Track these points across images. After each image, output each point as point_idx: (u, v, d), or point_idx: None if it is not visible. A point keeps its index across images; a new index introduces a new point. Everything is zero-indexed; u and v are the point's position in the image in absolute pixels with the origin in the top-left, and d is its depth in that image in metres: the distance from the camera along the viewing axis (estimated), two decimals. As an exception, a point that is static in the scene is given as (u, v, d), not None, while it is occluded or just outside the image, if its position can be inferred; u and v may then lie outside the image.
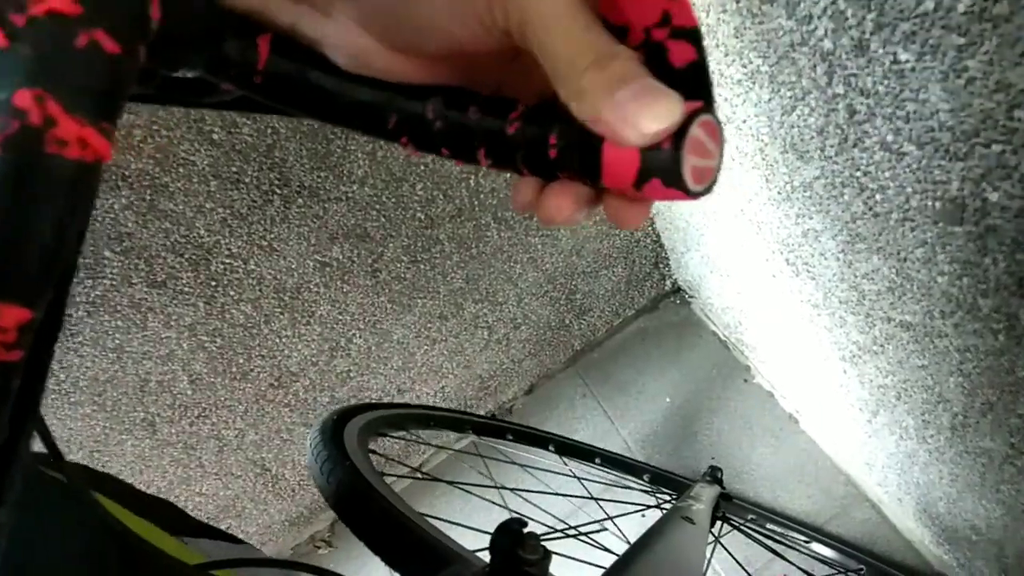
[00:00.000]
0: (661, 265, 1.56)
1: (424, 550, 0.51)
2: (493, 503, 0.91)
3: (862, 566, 1.15)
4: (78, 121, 0.21)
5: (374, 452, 0.69)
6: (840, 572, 1.15)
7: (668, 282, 1.61)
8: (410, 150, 0.30)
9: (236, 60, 0.30)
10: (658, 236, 1.49)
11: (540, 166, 0.27)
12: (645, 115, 0.23)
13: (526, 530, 0.49)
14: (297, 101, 0.31)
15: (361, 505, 0.54)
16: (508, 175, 1.17)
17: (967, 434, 0.77)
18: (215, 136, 0.95)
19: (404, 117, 0.28)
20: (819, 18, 0.57)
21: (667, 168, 0.23)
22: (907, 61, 0.51)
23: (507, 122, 0.26)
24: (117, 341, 1.09)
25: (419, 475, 0.81)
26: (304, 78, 0.30)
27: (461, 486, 0.85)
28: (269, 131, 0.98)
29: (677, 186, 0.23)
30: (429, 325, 1.36)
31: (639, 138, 0.23)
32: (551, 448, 1.06)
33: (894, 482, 1.08)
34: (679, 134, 0.23)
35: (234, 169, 1.00)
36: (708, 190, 0.25)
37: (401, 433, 0.86)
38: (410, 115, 0.28)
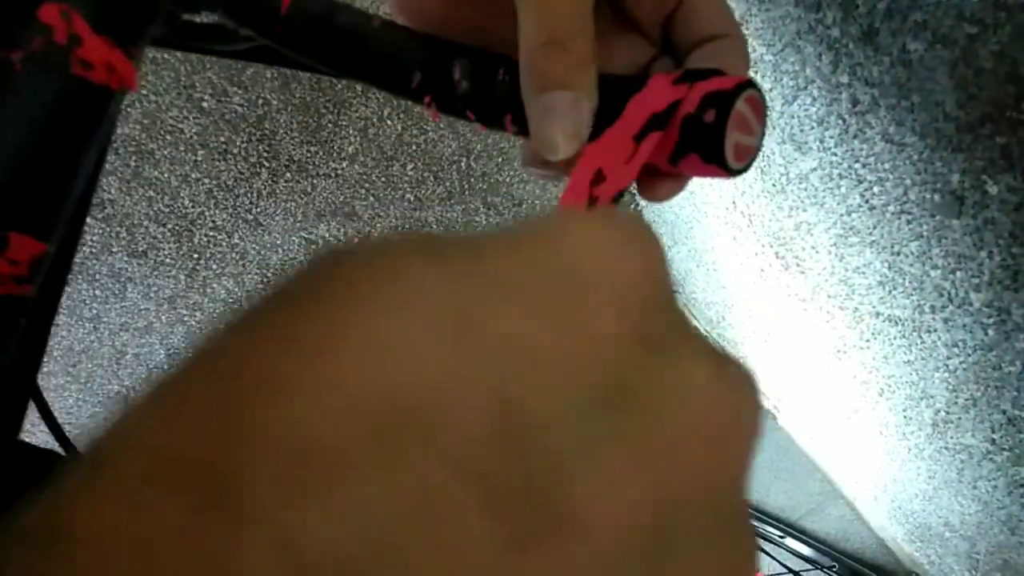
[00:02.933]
0: (646, 259, 1.57)
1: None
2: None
3: (835, 563, 1.16)
4: (105, 42, 0.20)
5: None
6: (813, 568, 1.16)
7: (652, 276, 1.61)
8: (432, 112, 0.28)
9: (258, 4, 0.29)
10: (645, 229, 1.49)
11: None
12: (551, 135, 0.23)
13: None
14: (318, 51, 0.29)
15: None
16: (501, 159, 1.17)
17: (948, 430, 0.78)
18: (205, 104, 0.93)
19: (429, 75, 0.27)
20: (828, 6, 0.57)
21: (709, 144, 0.22)
22: (916, 51, 0.51)
23: None
24: (94, 311, 1.07)
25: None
26: (327, 27, 0.28)
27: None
28: (260, 102, 0.96)
29: (717, 163, 0.22)
30: (413, 309, 1.35)
31: (544, 149, 0.23)
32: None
33: (870, 479, 1.09)
34: (724, 108, 0.21)
35: (222, 139, 0.98)
36: (746, 169, 0.23)
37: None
38: (436, 74, 0.27)
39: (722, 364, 0.13)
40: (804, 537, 1.20)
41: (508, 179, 1.23)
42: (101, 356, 1.13)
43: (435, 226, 1.23)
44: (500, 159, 1.19)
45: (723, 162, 0.22)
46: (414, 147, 1.11)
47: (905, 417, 0.86)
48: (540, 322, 0.11)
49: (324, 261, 0.11)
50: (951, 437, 0.78)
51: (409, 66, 0.27)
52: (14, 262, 0.18)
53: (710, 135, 0.22)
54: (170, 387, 0.10)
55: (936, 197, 0.58)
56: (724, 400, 0.12)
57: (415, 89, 0.28)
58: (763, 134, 0.24)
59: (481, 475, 0.09)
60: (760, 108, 0.23)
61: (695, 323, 1.54)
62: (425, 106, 0.28)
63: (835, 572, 1.13)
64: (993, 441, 0.71)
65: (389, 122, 1.06)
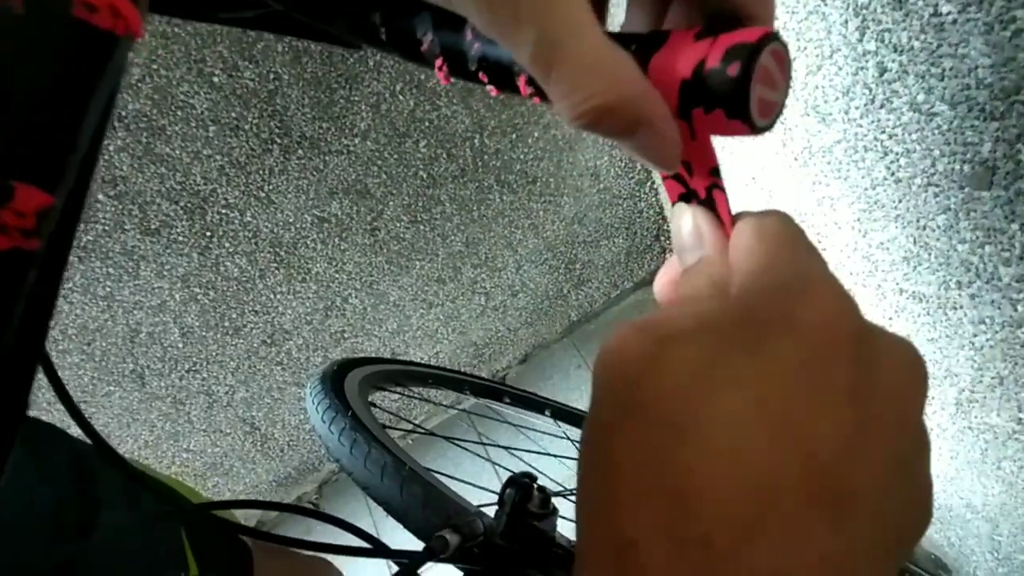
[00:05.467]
0: (662, 238, 1.55)
1: (430, 505, 0.50)
2: (488, 460, 0.89)
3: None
4: None
5: (373, 405, 0.68)
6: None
7: (668, 255, 1.59)
8: (444, 75, 0.27)
9: None
10: (661, 208, 1.47)
11: None
12: (655, 163, 0.22)
13: (536, 485, 0.48)
14: (328, 15, 0.28)
15: (366, 457, 0.53)
16: (515, 135, 1.15)
17: (972, 410, 0.76)
18: (215, 79, 0.92)
19: (440, 39, 0.26)
20: (856, -32, 0.55)
21: (733, 98, 0.21)
22: (948, 13, 0.49)
23: None
24: (108, 289, 1.07)
25: (420, 431, 0.80)
26: None
27: (461, 443, 0.84)
28: (271, 76, 0.95)
29: (742, 118, 0.21)
30: (426, 288, 1.35)
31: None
32: (547, 413, 1.04)
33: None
34: (749, 61, 0.20)
35: (234, 115, 0.97)
36: (770, 126, 0.22)
37: (400, 389, 0.84)
38: (447, 37, 0.26)
39: (907, 345, 0.21)
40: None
41: (522, 156, 1.21)
42: (115, 334, 1.13)
43: (448, 205, 1.22)
44: (514, 136, 1.17)
45: (747, 117, 0.21)
46: (427, 123, 1.10)
47: (928, 397, 0.84)
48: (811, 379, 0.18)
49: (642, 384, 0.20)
50: (975, 416, 0.77)
51: (419, 29, 0.26)
52: (20, 214, 0.18)
53: (734, 89, 0.21)
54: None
55: (966, 168, 0.56)
56: (914, 359, 0.20)
57: (425, 52, 0.27)
58: (788, 90, 0.23)
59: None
60: (785, 62, 0.22)
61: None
62: (436, 69, 0.27)
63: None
64: (1019, 420, 0.70)
65: (401, 97, 1.04)
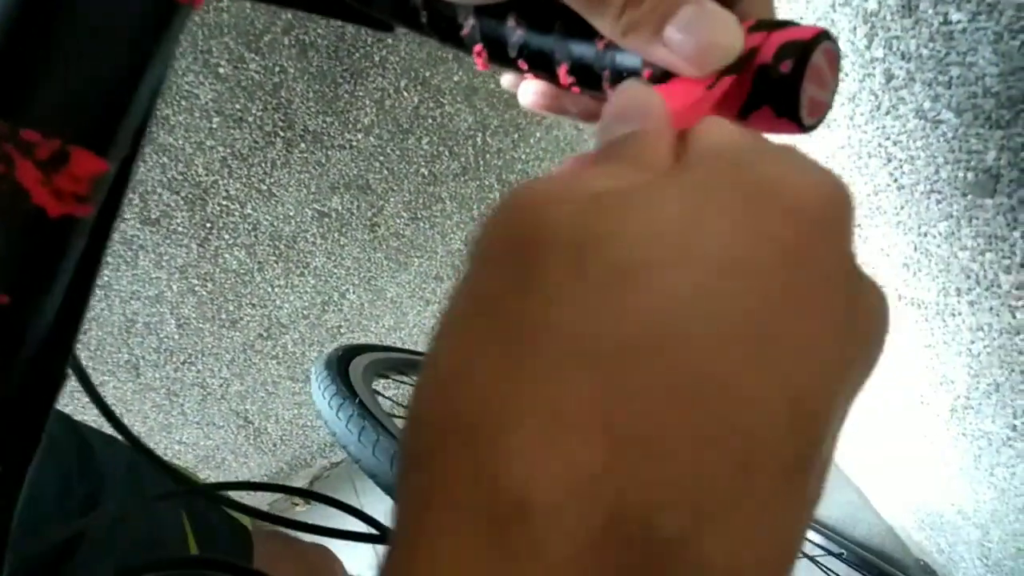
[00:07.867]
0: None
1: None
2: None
3: (843, 550, 1.16)
4: None
5: (377, 393, 0.68)
6: (822, 554, 1.16)
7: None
8: (482, 61, 0.28)
9: None
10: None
11: None
12: (707, 55, 0.20)
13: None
14: None
15: (375, 445, 0.53)
16: (517, 135, 1.15)
17: (967, 416, 0.77)
18: (221, 70, 0.92)
19: (482, 25, 0.26)
20: (867, -25, 0.55)
21: (784, 96, 0.21)
22: (958, 22, 0.50)
23: (597, 37, 0.24)
24: (105, 278, 1.06)
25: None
26: None
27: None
28: (277, 69, 0.95)
29: (790, 116, 0.21)
30: (424, 286, 1.35)
31: (703, 73, 0.21)
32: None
33: (881, 466, 1.09)
34: (801, 59, 0.20)
35: (238, 107, 0.97)
36: (816, 126, 0.23)
37: (402, 378, 0.84)
38: (489, 23, 0.26)
39: (882, 291, 0.17)
40: (812, 524, 1.19)
41: (524, 156, 1.21)
42: (111, 324, 1.13)
43: (448, 202, 1.22)
44: (516, 135, 1.17)
45: (796, 116, 0.21)
46: (430, 120, 1.10)
47: (922, 403, 0.85)
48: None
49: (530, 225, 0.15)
50: (970, 423, 0.77)
51: (461, 13, 0.26)
52: (75, 179, 0.18)
53: (785, 87, 0.21)
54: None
55: (969, 176, 0.57)
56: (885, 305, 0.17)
57: (466, 37, 0.27)
58: (836, 90, 0.23)
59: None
60: (836, 62, 0.22)
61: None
62: (475, 55, 0.27)
63: (844, 559, 1.13)
64: (1014, 427, 0.70)
65: (406, 94, 1.05)
